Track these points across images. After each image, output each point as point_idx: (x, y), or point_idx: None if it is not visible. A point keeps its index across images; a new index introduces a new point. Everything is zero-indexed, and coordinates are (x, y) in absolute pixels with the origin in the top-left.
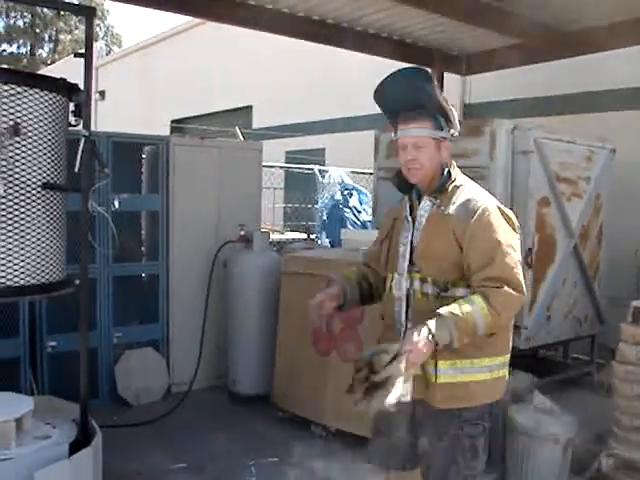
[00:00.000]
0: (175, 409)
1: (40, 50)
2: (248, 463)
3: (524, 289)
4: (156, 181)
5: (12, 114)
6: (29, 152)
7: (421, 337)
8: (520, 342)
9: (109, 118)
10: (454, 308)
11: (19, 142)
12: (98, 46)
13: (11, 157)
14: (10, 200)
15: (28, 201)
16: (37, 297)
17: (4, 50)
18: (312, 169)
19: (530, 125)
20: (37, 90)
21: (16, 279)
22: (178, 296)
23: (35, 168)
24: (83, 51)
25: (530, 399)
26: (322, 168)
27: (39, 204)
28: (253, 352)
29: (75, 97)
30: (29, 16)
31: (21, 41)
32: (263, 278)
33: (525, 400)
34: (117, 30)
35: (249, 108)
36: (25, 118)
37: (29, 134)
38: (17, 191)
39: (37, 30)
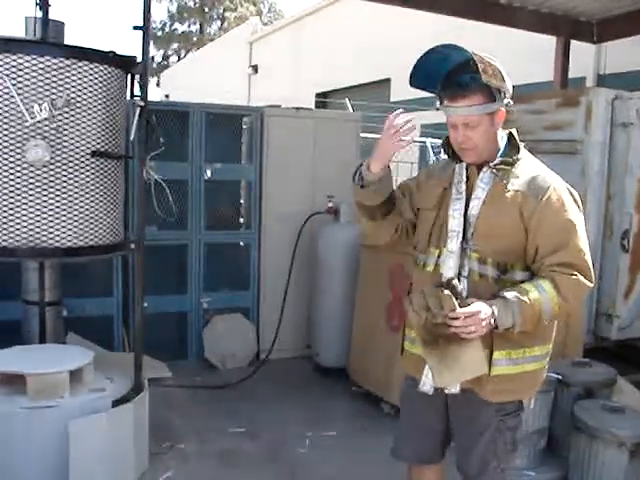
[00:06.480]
0: (252, 376)
1: (208, 28)
2: (305, 434)
3: (593, 277)
4: (251, 151)
5: (61, 86)
6: (77, 121)
7: (484, 313)
8: (612, 332)
9: (261, 91)
10: (521, 293)
11: (67, 112)
12: (253, 22)
13: (59, 126)
14: (58, 166)
15: (76, 167)
16: (85, 259)
17: (176, 29)
18: (424, 142)
19: (632, 95)
20: (86, 62)
21: (63, 240)
22: (269, 265)
23: (84, 137)
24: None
25: (605, 394)
26: (434, 141)
27: (88, 170)
28: (335, 324)
29: (134, 69)
30: None
31: (192, 20)
32: (347, 250)
33: (598, 395)
34: (279, 6)
35: (387, 81)
36: (74, 90)
37: (78, 104)
38: (65, 158)
39: (206, 9)
